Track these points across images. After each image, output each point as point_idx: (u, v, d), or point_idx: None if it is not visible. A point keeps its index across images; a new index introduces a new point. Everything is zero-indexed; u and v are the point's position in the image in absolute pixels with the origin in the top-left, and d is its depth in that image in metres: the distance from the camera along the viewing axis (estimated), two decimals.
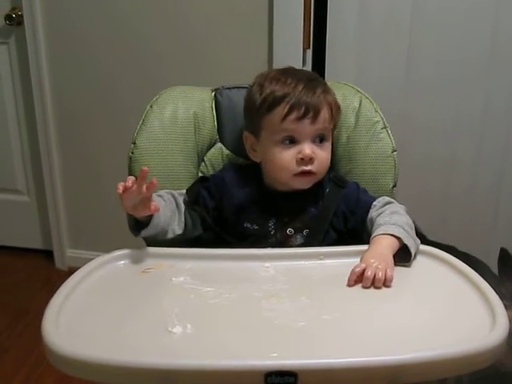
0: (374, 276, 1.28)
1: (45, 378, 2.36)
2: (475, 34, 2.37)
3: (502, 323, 1.11)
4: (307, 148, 1.45)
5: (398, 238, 1.37)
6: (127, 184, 1.31)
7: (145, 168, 1.32)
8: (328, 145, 1.51)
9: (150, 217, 1.40)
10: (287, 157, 1.46)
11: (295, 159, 1.46)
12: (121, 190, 1.31)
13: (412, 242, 1.39)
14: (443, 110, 2.49)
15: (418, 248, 1.41)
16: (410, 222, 1.46)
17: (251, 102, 1.51)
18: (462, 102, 2.46)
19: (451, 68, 2.43)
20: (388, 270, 1.29)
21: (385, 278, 1.28)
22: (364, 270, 1.29)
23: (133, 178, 1.33)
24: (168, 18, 2.59)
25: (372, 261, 1.30)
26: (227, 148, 1.67)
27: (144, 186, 1.32)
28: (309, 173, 1.48)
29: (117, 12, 2.65)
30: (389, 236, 1.38)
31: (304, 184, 1.50)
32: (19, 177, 3.21)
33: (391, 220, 1.42)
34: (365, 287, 1.28)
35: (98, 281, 1.32)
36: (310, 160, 1.46)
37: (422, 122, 2.51)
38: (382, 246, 1.37)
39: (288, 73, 1.51)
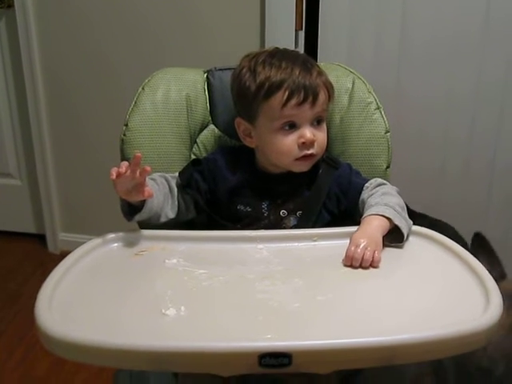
0: (362, 256, 1.28)
1: (38, 362, 2.37)
2: (468, 11, 2.36)
3: (495, 304, 1.11)
4: (308, 132, 1.45)
5: (389, 219, 1.37)
6: (120, 170, 1.30)
7: (138, 154, 1.32)
8: (324, 125, 1.51)
9: (143, 201, 1.39)
10: (288, 142, 1.45)
11: (296, 144, 1.45)
12: (114, 176, 1.30)
13: (404, 222, 1.38)
14: (436, 89, 2.48)
15: (410, 229, 1.41)
16: (402, 202, 1.45)
17: (244, 87, 1.48)
18: (454, 80, 2.46)
19: (444, 46, 2.42)
20: (376, 252, 1.29)
21: (372, 259, 1.28)
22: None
23: (126, 163, 1.32)
24: None
25: (361, 241, 1.30)
26: (220, 130, 1.66)
27: (137, 172, 1.32)
28: (310, 156, 1.47)
29: None
30: (379, 216, 1.37)
31: (305, 167, 1.49)
32: (11, 161, 3.20)
33: (382, 201, 1.42)
34: (353, 267, 1.29)
35: (90, 264, 1.31)
36: (311, 143, 1.45)
37: (415, 101, 2.51)
38: (372, 227, 1.36)
39: (279, 56, 1.48)
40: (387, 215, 1.37)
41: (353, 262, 1.28)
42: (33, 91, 2.89)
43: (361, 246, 1.29)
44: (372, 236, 1.33)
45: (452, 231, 2.05)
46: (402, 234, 1.37)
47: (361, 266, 1.28)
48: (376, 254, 1.29)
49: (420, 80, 2.48)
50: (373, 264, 1.28)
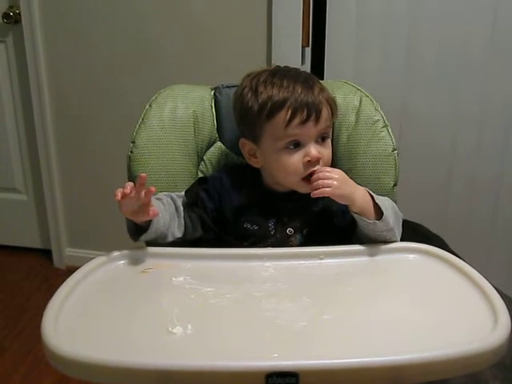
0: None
1: (43, 378, 2.36)
2: (474, 27, 2.37)
3: (503, 323, 1.11)
4: (313, 150, 1.44)
5: (372, 198, 1.43)
6: (125, 190, 1.31)
7: (143, 174, 1.32)
8: (329, 141, 1.50)
9: (149, 222, 1.39)
10: (294, 161, 1.44)
11: (302, 163, 1.44)
12: (119, 197, 1.31)
13: (389, 211, 1.43)
14: (443, 104, 2.49)
15: (398, 219, 1.47)
16: (396, 209, 1.49)
17: (246, 108, 1.47)
18: (461, 95, 2.46)
19: (450, 62, 2.43)
20: (336, 188, 1.38)
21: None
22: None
23: (131, 184, 1.32)
24: (167, 14, 2.59)
25: (336, 176, 1.39)
26: (227, 147, 1.66)
27: (142, 192, 1.32)
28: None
29: (116, 8, 2.65)
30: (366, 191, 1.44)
31: (310, 190, 1.46)
32: (17, 176, 3.21)
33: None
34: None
35: (97, 281, 1.31)
36: (317, 161, 1.45)
37: (421, 115, 2.51)
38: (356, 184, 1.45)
39: (280, 74, 1.47)
40: (371, 193, 1.43)
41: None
42: (39, 106, 2.90)
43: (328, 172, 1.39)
44: (348, 179, 1.43)
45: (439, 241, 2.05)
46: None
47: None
48: (336, 191, 1.38)
49: (426, 95, 2.49)
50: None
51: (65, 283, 1.26)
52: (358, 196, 1.41)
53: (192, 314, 1.18)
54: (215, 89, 1.69)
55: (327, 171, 1.41)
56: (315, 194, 1.38)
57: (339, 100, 1.58)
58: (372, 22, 2.43)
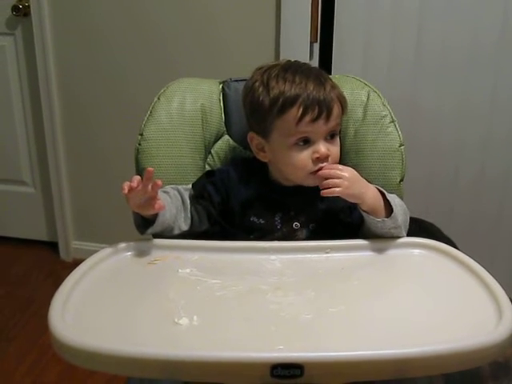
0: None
1: (50, 368, 2.38)
2: (483, 23, 2.37)
3: (508, 317, 1.11)
4: (323, 147, 1.43)
5: (383, 195, 1.43)
6: (132, 184, 1.31)
7: (150, 168, 1.33)
8: (338, 138, 1.50)
9: (156, 214, 1.40)
10: (302, 157, 1.44)
11: (311, 159, 1.44)
12: (126, 191, 1.31)
13: (398, 208, 1.43)
14: (451, 98, 2.48)
15: (406, 217, 1.47)
16: (405, 206, 1.49)
17: (257, 102, 1.47)
18: (469, 90, 2.46)
19: (458, 57, 2.43)
20: (346, 188, 1.38)
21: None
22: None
23: (138, 177, 1.33)
24: (176, 7, 2.59)
25: (346, 175, 1.40)
26: (234, 141, 1.67)
27: (149, 186, 1.32)
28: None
29: (125, 2, 2.66)
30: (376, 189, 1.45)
31: (319, 182, 1.46)
32: (25, 168, 3.21)
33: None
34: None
35: (103, 272, 1.32)
36: (326, 158, 1.44)
37: (429, 111, 2.51)
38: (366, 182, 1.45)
39: (292, 70, 1.47)
40: (381, 189, 1.44)
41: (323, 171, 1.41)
42: (47, 99, 2.90)
43: (340, 171, 1.40)
44: (359, 178, 1.42)
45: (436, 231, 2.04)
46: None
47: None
48: (346, 190, 1.38)
49: (435, 90, 2.48)
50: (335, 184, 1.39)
51: (72, 274, 1.27)
52: (368, 195, 1.41)
53: (198, 306, 1.19)
54: (223, 82, 1.69)
55: (339, 169, 1.41)
56: (324, 193, 1.38)
57: (347, 95, 1.57)
58: (380, 18, 2.43)
